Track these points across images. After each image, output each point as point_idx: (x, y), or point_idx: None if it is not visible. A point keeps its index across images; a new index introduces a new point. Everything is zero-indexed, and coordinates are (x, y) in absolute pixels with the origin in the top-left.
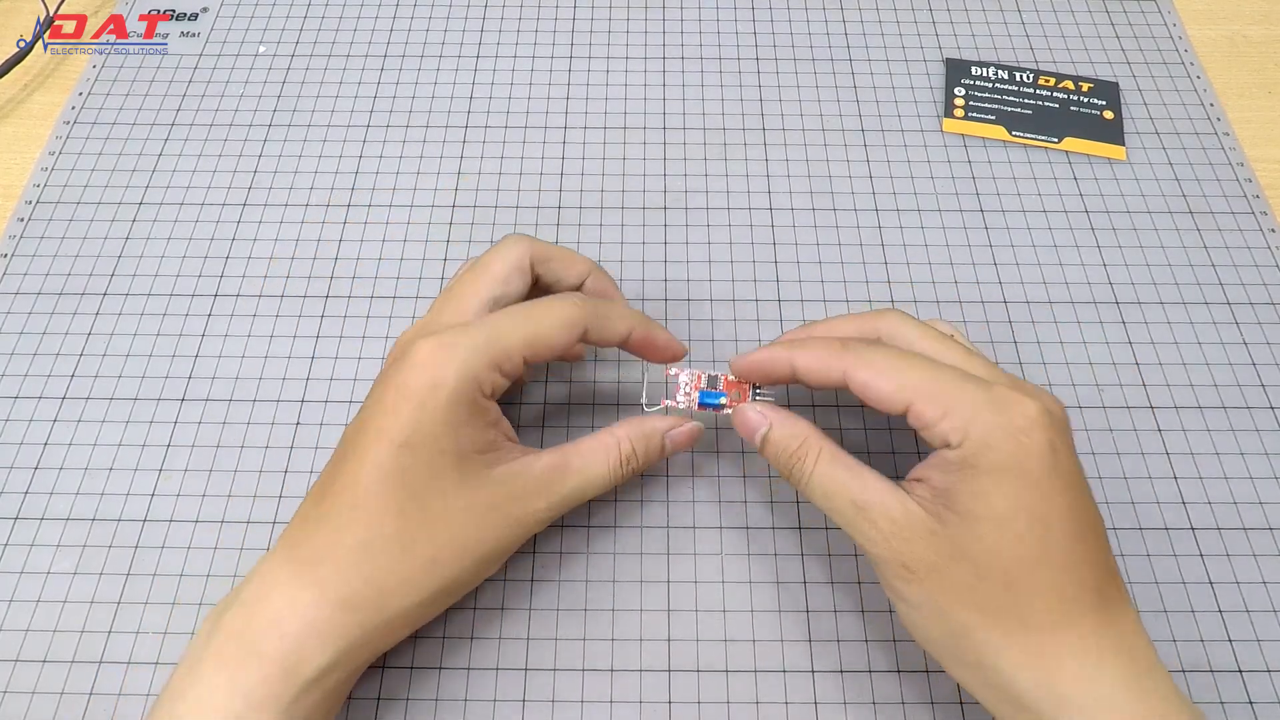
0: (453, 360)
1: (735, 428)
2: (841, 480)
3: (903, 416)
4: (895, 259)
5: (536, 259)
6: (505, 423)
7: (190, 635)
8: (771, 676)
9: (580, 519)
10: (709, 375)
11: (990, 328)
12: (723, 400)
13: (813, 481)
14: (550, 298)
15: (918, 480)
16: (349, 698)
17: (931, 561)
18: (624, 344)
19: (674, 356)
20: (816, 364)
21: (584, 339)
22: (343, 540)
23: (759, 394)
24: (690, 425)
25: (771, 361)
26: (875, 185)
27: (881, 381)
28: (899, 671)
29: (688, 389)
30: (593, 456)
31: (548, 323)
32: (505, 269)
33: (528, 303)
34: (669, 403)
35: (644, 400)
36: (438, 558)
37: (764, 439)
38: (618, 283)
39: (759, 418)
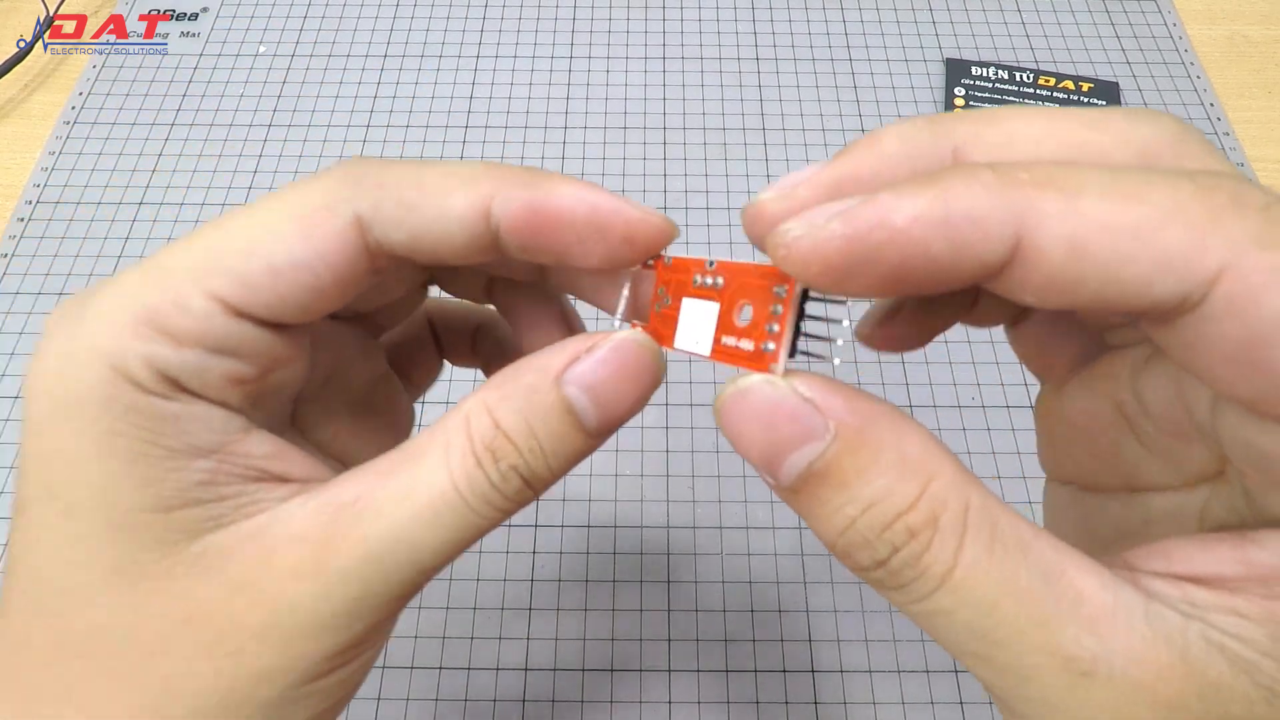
0: (65, 338)
1: (729, 434)
2: (1023, 595)
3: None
4: None
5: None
6: (258, 441)
7: None
8: (772, 676)
9: (580, 519)
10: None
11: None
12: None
13: (950, 593)
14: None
15: (1195, 581)
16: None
17: None
18: (567, 254)
19: (655, 241)
20: (966, 215)
21: (509, 247)
22: None
23: (804, 336)
24: (619, 338)
25: (867, 223)
26: None
27: (1125, 235)
28: (899, 671)
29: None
30: (414, 474)
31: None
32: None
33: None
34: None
35: (618, 314)
36: None
37: (816, 472)
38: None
39: (809, 415)
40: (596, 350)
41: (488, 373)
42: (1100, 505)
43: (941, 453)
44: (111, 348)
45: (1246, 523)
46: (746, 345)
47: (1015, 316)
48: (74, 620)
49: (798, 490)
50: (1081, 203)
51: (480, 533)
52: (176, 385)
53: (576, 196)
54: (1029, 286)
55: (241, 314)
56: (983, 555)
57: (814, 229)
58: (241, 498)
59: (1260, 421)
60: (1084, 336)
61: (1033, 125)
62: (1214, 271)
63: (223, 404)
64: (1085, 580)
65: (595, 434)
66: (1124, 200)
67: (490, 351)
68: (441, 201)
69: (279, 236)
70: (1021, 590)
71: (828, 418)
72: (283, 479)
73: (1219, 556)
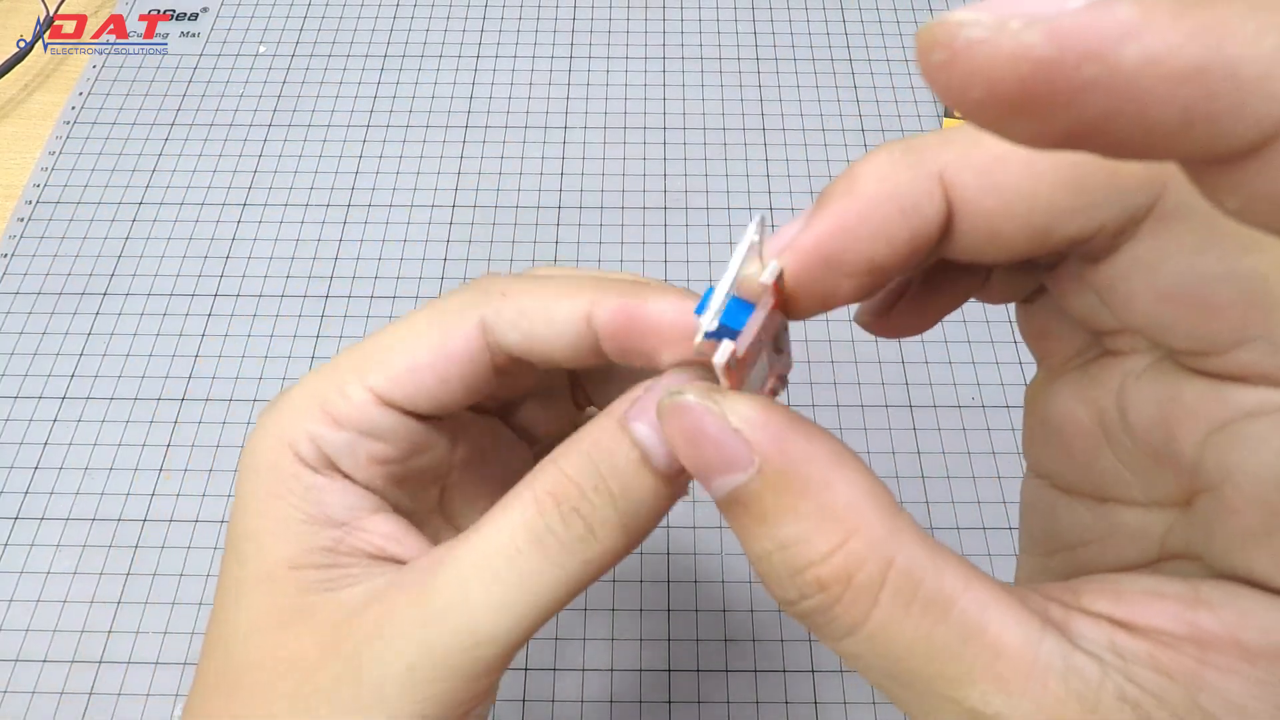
0: (266, 420)
1: (666, 439)
2: (935, 653)
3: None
4: None
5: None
6: (381, 521)
7: (190, 635)
8: (772, 676)
9: None
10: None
11: (990, 328)
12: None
13: (861, 643)
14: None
15: (1131, 629)
16: None
17: None
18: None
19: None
20: (1232, 73)
21: (611, 351)
22: None
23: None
24: (673, 403)
25: (1080, 46)
26: None
27: None
28: None
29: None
30: (481, 530)
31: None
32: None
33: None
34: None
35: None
36: None
37: (738, 500)
38: None
39: (734, 445)
40: (655, 388)
41: None
42: (1069, 507)
43: (872, 506)
44: (288, 427)
45: (1202, 559)
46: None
47: (1031, 294)
48: (231, 656)
49: (725, 507)
50: None
51: (543, 594)
52: (329, 463)
53: (668, 303)
54: (1245, 192)
55: (389, 404)
56: (898, 614)
57: (1002, 33)
58: (354, 568)
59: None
60: (1085, 335)
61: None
62: None
63: (366, 484)
64: (1008, 635)
65: (668, 475)
66: None
67: None
68: (550, 307)
69: (421, 338)
70: (935, 649)
71: (754, 451)
72: (397, 559)
73: (1166, 611)
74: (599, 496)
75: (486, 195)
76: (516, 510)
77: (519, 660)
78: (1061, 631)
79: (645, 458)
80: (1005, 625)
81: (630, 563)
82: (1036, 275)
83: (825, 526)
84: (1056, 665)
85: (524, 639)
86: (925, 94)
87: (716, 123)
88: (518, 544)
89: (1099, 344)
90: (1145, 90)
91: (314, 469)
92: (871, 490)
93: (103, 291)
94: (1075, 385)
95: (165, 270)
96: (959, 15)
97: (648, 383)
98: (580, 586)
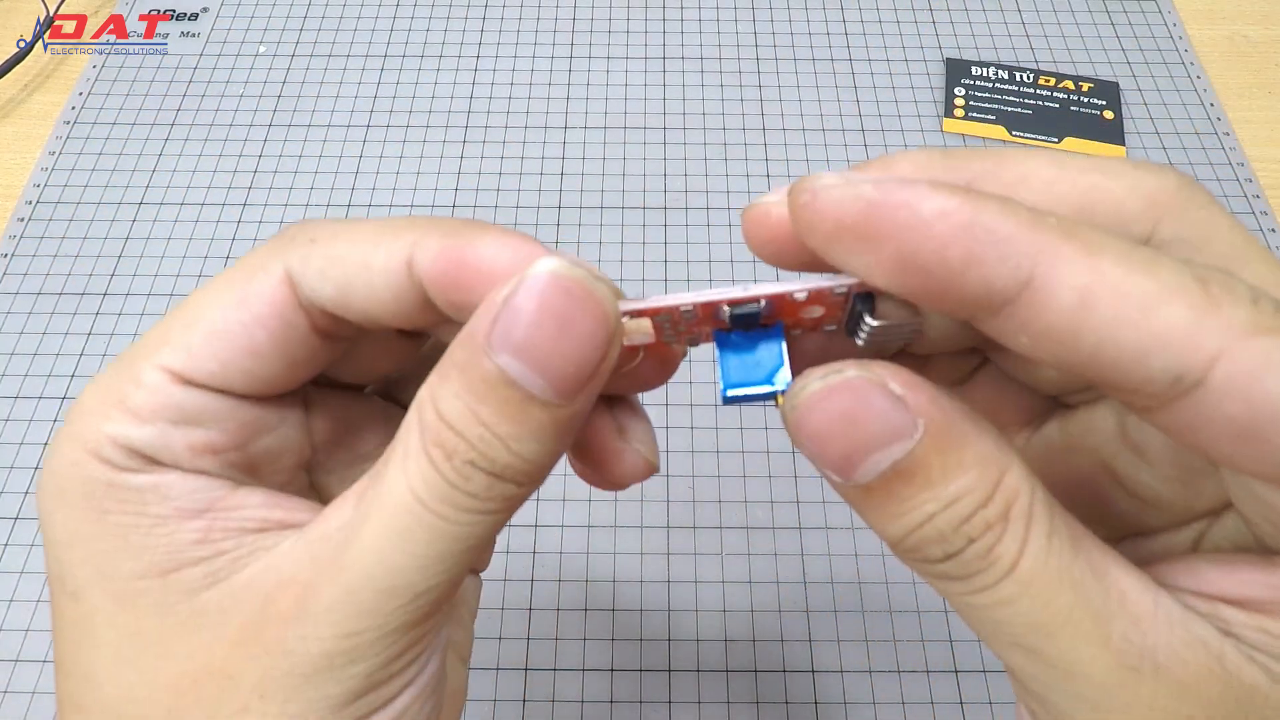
0: (60, 436)
1: (807, 433)
2: (1077, 587)
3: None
4: None
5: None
6: (248, 493)
7: None
8: (771, 676)
9: (580, 519)
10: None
11: None
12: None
13: (1015, 583)
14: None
15: (1223, 600)
16: None
17: None
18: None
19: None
20: (992, 230)
21: (438, 311)
22: None
23: (869, 327)
24: (532, 278)
25: (896, 198)
26: None
27: (1133, 303)
28: (899, 671)
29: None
30: (379, 487)
31: (258, 286)
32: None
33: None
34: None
35: None
36: None
37: (900, 470)
38: (618, 282)
39: (899, 413)
40: (515, 300)
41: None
42: None
43: (1009, 444)
44: (85, 433)
45: (1253, 549)
46: (816, 311)
47: (961, 379)
48: (92, 703)
49: (873, 489)
50: (1100, 261)
51: (470, 539)
52: (147, 459)
53: (500, 244)
54: (1028, 329)
55: (192, 383)
56: (1043, 547)
57: (848, 184)
58: (240, 549)
59: (1270, 486)
60: (1034, 398)
61: (1046, 169)
62: (1211, 354)
63: (202, 473)
64: (1128, 580)
65: (559, 400)
66: (1137, 269)
67: None
68: (366, 252)
69: (219, 302)
70: (1076, 582)
71: (916, 415)
72: (285, 525)
73: (1244, 579)
74: (489, 446)
75: (486, 195)
76: (411, 464)
77: (519, 660)
78: (1168, 592)
79: (526, 393)
80: (1123, 570)
81: (630, 562)
82: (975, 356)
83: (986, 472)
84: (1176, 614)
85: (455, 584)
86: (925, 94)
87: (716, 123)
88: (425, 502)
89: (1053, 404)
90: (938, 234)
91: (133, 470)
92: (993, 429)
93: (103, 291)
94: (1060, 441)
95: (165, 270)
96: (821, 175)
97: (502, 285)
98: (502, 522)
